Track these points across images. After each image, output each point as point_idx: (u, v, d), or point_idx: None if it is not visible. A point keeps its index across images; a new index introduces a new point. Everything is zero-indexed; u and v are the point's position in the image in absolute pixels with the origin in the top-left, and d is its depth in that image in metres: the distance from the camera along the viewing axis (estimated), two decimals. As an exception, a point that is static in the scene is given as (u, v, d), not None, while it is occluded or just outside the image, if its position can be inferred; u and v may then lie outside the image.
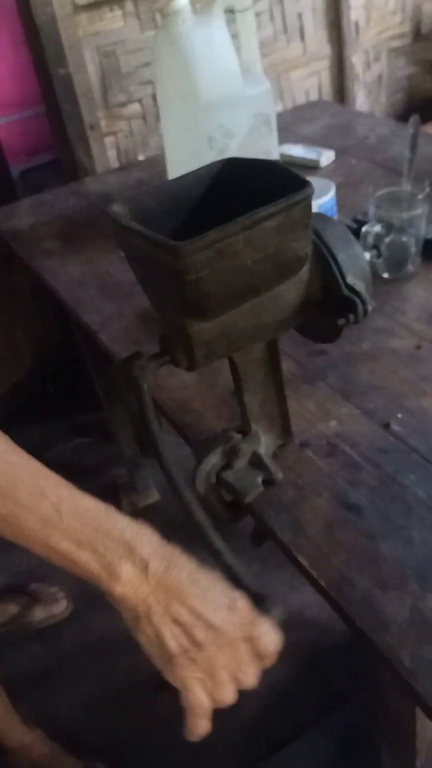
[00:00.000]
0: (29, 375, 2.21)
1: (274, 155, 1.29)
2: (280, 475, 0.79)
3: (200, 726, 0.58)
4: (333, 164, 1.44)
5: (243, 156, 0.76)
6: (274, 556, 0.79)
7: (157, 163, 1.52)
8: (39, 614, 1.60)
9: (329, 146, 1.49)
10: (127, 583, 0.54)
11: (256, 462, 0.79)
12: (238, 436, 0.80)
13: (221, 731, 1.38)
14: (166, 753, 1.33)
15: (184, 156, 1.25)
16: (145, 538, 0.56)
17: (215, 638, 0.55)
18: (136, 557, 0.55)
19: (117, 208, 0.67)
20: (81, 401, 2.10)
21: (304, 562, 0.69)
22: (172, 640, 0.55)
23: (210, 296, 0.63)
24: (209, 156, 1.20)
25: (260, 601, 0.59)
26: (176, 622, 0.55)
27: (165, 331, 0.71)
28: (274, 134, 1.27)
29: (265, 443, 0.81)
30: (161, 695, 0.60)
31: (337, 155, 1.46)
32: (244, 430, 0.80)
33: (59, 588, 1.65)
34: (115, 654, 1.52)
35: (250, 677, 0.59)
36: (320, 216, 0.73)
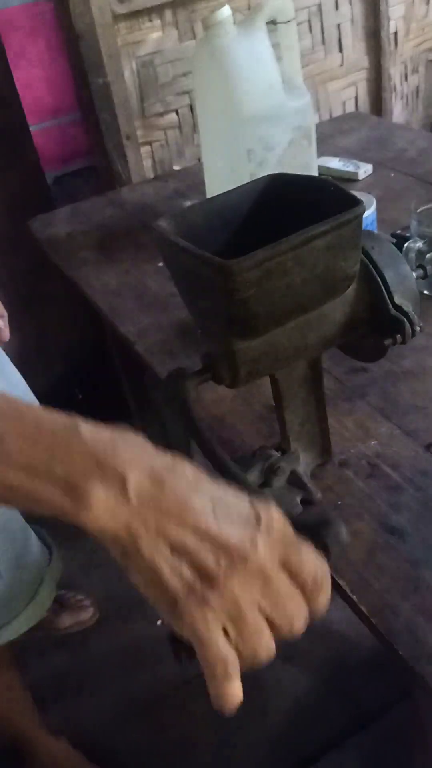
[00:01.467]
0: (59, 381, 2.22)
1: (313, 169, 1.28)
2: (319, 495, 0.78)
3: (227, 692, 0.40)
4: (371, 177, 1.43)
5: (282, 170, 0.76)
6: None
7: (194, 173, 1.52)
8: (66, 621, 1.60)
9: (367, 159, 1.48)
10: (100, 509, 0.39)
11: (295, 481, 0.78)
12: (276, 454, 0.79)
13: (245, 745, 1.40)
14: (189, 766, 1.33)
15: (223, 168, 1.25)
16: (121, 446, 0.41)
17: (234, 565, 0.40)
18: (107, 472, 0.39)
19: (163, 223, 0.67)
20: (110, 408, 2.10)
21: (345, 587, 0.68)
22: (173, 575, 0.40)
23: (257, 315, 0.62)
24: (248, 169, 1.20)
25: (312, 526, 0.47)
26: (176, 549, 0.40)
27: (207, 347, 0.70)
28: (314, 147, 1.26)
29: (304, 462, 0.80)
30: (180, 657, 0.45)
31: (375, 168, 1.45)
32: (284, 448, 0.80)
33: (86, 596, 1.65)
34: (141, 663, 1.51)
35: (294, 619, 0.42)
36: (369, 233, 0.72)
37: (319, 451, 0.81)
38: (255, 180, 0.72)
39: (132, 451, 0.41)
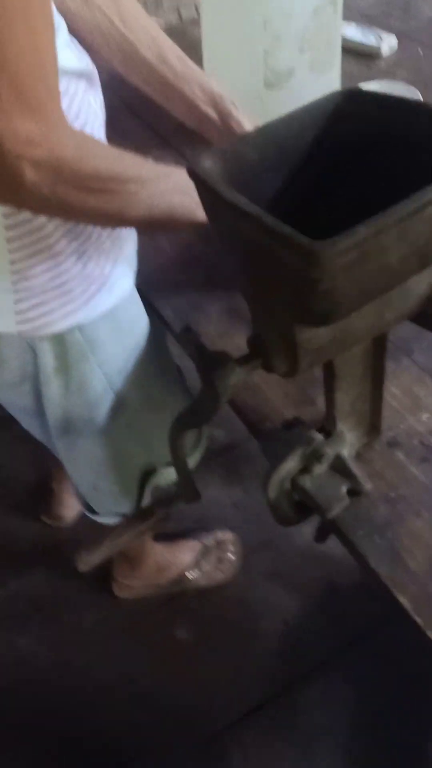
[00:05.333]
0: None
1: (337, 43, 1.05)
2: (368, 485, 0.66)
3: None
4: (396, 54, 1.21)
5: (303, 48, 0.57)
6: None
7: (178, 33, 1.25)
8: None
9: (389, 28, 1.24)
10: None
11: (340, 467, 0.67)
12: (320, 437, 0.66)
13: (232, 667, 1.39)
14: (178, 684, 1.31)
15: (228, 41, 1.02)
16: None
17: None
18: None
19: (208, 164, 0.49)
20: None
21: (407, 605, 0.59)
22: None
23: (339, 304, 0.47)
24: (261, 43, 0.97)
25: None
26: None
27: (258, 328, 0.55)
28: (339, 15, 1.03)
29: (349, 442, 0.68)
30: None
31: (399, 42, 1.22)
32: (328, 429, 0.67)
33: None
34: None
35: None
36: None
37: (366, 429, 0.69)
38: (324, 98, 0.54)
39: None
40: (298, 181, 0.53)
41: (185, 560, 1.42)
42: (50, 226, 0.68)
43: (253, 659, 1.34)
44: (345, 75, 1.08)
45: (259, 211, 0.44)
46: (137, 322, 0.86)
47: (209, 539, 1.46)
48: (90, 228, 0.72)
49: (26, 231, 0.68)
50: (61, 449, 0.94)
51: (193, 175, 0.49)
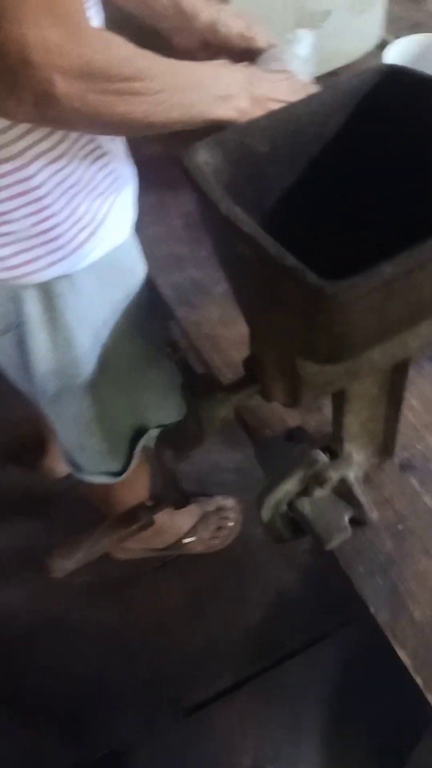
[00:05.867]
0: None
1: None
2: (374, 515, 0.59)
3: None
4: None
5: None
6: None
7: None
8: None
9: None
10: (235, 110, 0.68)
11: (344, 492, 0.60)
12: (323, 458, 0.59)
13: (226, 639, 1.36)
14: (165, 649, 1.29)
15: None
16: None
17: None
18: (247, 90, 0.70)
19: (204, 155, 0.40)
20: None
21: (406, 661, 0.53)
22: None
23: (354, 345, 0.39)
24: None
25: None
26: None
27: (257, 352, 0.47)
28: None
29: (356, 464, 0.61)
30: None
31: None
32: (334, 450, 0.59)
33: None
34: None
35: None
36: None
37: (377, 449, 0.62)
38: (356, 76, 0.43)
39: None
40: (314, 177, 0.44)
41: (183, 525, 1.38)
42: (36, 164, 0.62)
43: (243, 628, 1.32)
44: (390, 17, 0.95)
45: (258, 234, 0.35)
46: (131, 274, 0.78)
47: (210, 505, 1.41)
48: (82, 167, 0.66)
49: (9, 170, 0.61)
50: (46, 405, 0.89)
51: (183, 170, 0.40)
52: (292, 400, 0.46)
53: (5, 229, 0.65)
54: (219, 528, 1.40)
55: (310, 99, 0.43)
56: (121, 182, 0.72)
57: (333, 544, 0.58)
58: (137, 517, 0.66)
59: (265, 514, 0.60)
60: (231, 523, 1.40)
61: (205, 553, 1.39)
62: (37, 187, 0.63)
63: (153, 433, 0.90)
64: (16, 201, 0.64)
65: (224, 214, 0.36)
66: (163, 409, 0.92)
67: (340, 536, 0.58)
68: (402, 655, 0.53)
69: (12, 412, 1.53)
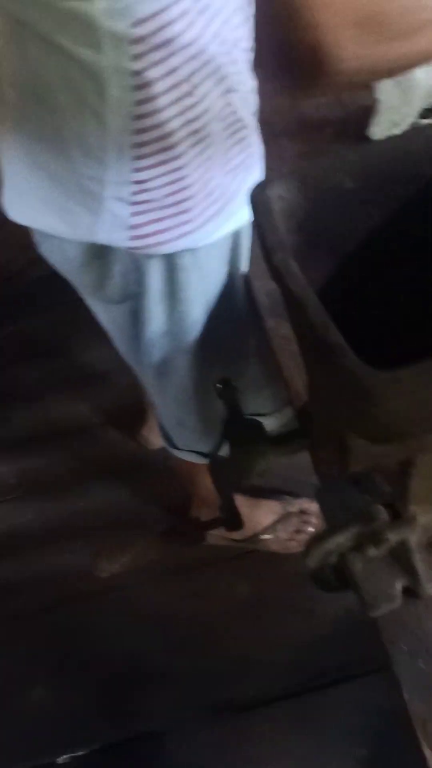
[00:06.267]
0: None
1: None
2: (430, 588, 0.54)
3: None
4: None
5: None
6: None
7: None
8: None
9: None
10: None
11: (402, 557, 0.54)
12: (384, 516, 0.54)
13: (280, 644, 1.32)
14: (220, 648, 1.27)
15: None
16: None
17: None
18: None
19: (277, 189, 0.36)
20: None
21: (431, 761, 0.47)
22: None
23: (406, 431, 0.34)
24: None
25: None
26: None
27: (310, 407, 0.42)
28: None
29: (421, 526, 0.55)
30: None
31: None
32: (398, 510, 0.54)
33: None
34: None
35: None
36: None
37: (447, 516, 0.55)
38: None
39: None
40: (406, 223, 0.38)
41: (263, 520, 1.35)
42: (181, 132, 0.61)
43: (301, 641, 1.28)
44: None
45: (306, 295, 0.31)
46: (245, 262, 0.78)
47: (293, 506, 1.37)
48: (220, 138, 0.65)
49: (156, 137, 0.61)
50: (150, 378, 0.90)
51: (251, 203, 0.35)
52: (340, 471, 0.41)
53: (141, 197, 0.66)
54: (298, 531, 1.36)
55: (415, 133, 0.37)
56: (252, 160, 0.71)
57: (377, 612, 0.53)
58: (186, 533, 0.64)
59: (312, 562, 0.56)
60: (312, 529, 1.35)
61: (279, 553, 1.36)
62: (178, 157, 0.63)
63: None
64: (156, 169, 0.64)
65: (275, 263, 0.32)
66: (260, 398, 0.90)
67: (387, 605, 0.53)
68: (428, 754, 0.47)
69: (123, 377, 1.56)
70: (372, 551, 0.54)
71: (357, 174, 0.37)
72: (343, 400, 0.32)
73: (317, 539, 0.55)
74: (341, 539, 0.54)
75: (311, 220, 0.37)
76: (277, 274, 0.32)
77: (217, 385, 0.48)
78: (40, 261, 0.80)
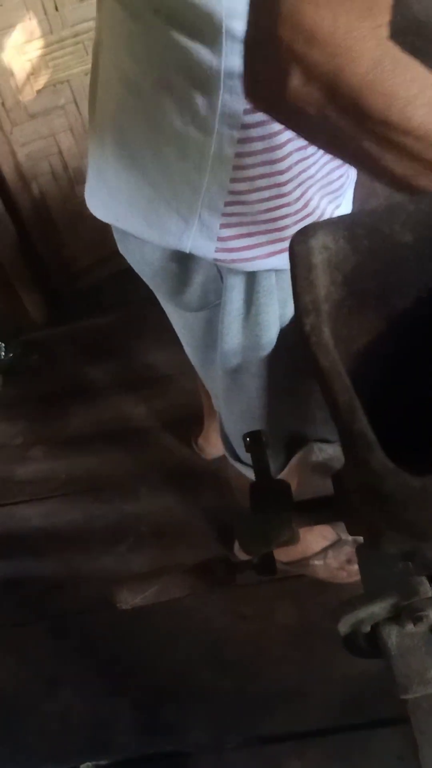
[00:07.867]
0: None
1: None
2: (470, 679, 0.48)
3: None
4: None
5: None
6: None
7: None
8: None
9: None
10: None
11: (443, 638, 0.49)
12: (426, 590, 0.48)
13: (325, 676, 1.26)
14: (264, 673, 1.23)
15: None
16: None
17: None
18: None
19: (322, 238, 0.32)
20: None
21: None
22: None
23: (425, 533, 0.29)
24: None
25: None
26: None
27: (345, 477, 0.38)
28: None
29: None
30: None
31: None
32: (442, 585, 0.49)
33: None
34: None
35: None
36: None
37: None
38: None
39: None
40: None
41: (314, 546, 1.30)
42: (287, 147, 0.58)
43: (347, 676, 1.22)
44: None
45: (336, 375, 0.26)
46: None
47: (347, 534, 1.31)
48: (323, 160, 0.61)
49: (261, 148, 0.58)
50: (220, 389, 0.87)
51: (290, 252, 0.31)
52: (370, 544, 0.37)
53: (236, 209, 0.63)
54: (350, 561, 1.30)
55: None
56: (348, 185, 0.68)
57: (409, 695, 0.48)
58: (215, 572, 0.61)
59: (343, 628, 0.51)
60: (364, 560, 1.29)
61: (328, 581, 1.30)
62: (281, 172, 0.60)
63: (311, 447, 0.86)
64: (256, 182, 0.60)
65: (305, 329, 0.28)
66: (329, 424, 0.86)
67: (420, 689, 0.48)
68: None
69: (183, 383, 1.54)
70: (410, 627, 0.49)
71: (415, 226, 0.32)
72: (370, 497, 0.27)
73: (350, 605, 0.50)
74: (376, 609, 0.49)
75: (359, 273, 0.32)
76: (305, 340, 0.28)
77: (246, 439, 0.44)
78: (108, 260, 0.78)
